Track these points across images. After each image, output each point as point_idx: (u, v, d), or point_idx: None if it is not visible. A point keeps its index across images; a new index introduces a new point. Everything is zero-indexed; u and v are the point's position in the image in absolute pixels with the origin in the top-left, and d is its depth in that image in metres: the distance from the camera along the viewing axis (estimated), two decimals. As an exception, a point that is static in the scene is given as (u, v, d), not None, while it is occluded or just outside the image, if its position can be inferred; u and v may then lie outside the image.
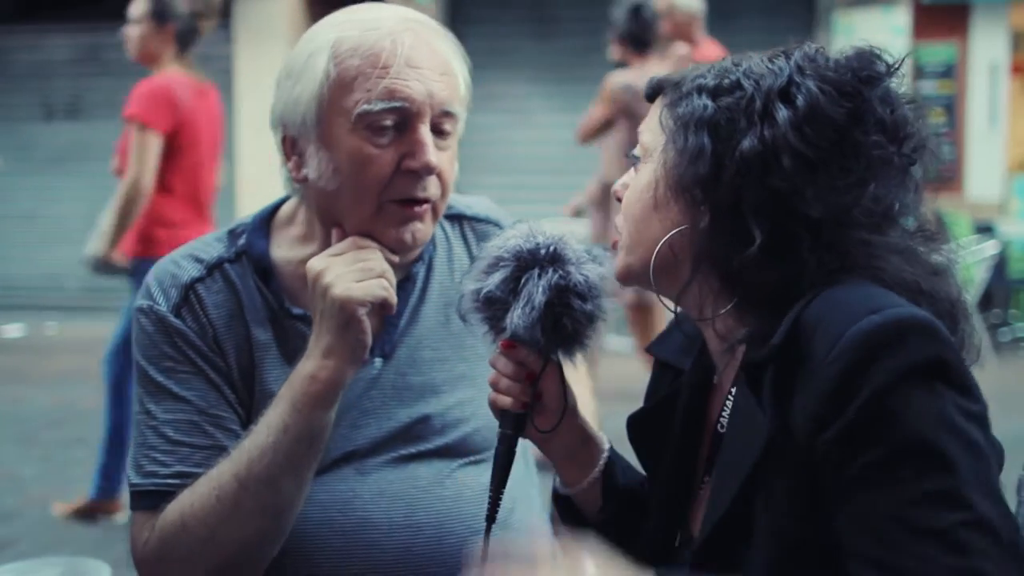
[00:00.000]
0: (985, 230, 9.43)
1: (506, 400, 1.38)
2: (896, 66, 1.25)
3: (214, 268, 1.62)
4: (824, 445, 1.09)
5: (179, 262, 1.63)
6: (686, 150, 1.23)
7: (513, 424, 1.38)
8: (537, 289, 1.30)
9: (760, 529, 1.15)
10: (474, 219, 1.83)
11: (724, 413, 1.31)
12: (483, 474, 1.60)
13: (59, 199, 12.48)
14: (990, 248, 9.05)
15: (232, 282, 1.62)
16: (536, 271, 1.32)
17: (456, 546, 1.58)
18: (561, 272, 1.31)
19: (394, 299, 1.49)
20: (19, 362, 9.31)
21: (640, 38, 6.05)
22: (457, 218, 1.82)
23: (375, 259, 1.49)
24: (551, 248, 1.33)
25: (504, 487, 1.40)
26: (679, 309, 1.33)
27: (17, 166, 12.55)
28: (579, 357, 1.37)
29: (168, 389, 1.56)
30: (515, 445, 1.39)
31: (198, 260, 1.63)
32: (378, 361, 1.64)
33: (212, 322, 1.59)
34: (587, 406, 1.85)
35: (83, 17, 12.23)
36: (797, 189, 1.17)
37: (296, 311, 1.61)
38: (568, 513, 1.49)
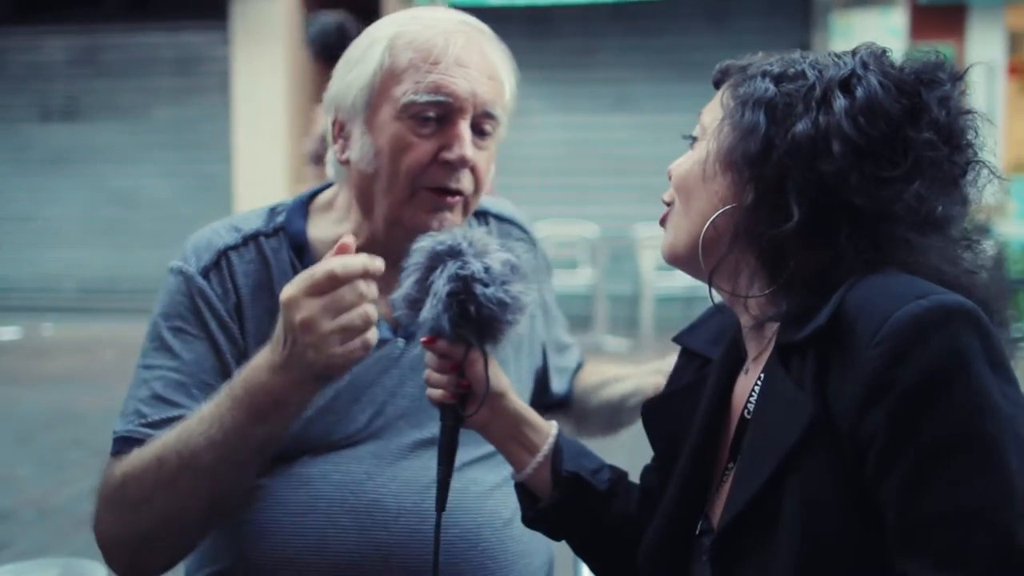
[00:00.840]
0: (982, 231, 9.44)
1: (437, 392, 1.44)
2: (959, 76, 1.27)
3: (250, 239, 1.68)
4: (869, 429, 1.09)
5: (218, 230, 1.70)
6: (740, 125, 1.26)
7: (450, 415, 1.44)
8: (439, 281, 1.38)
9: (790, 517, 1.14)
10: (498, 217, 1.90)
11: (751, 399, 1.31)
12: (490, 472, 1.67)
13: (55, 200, 12.48)
14: (987, 249, 9.05)
15: (265, 255, 1.67)
16: (440, 267, 1.39)
17: (459, 535, 1.61)
18: (460, 262, 1.38)
19: (374, 342, 1.46)
20: (15, 364, 9.30)
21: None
22: (483, 214, 1.88)
23: (356, 303, 1.41)
24: (448, 243, 1.40)
25: (450, 476, 1.45)
26: (716, 300, 1.35)
27: (13, 167, 12.56)
28: (501, 342, 1.43)
29: (170, 347, 1.60)
30: (456, 435, 1.45)
31: (236, 230, 1.69)
32: (400, 341, 1.69)
33: (238, 288, 1.64)
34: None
35: (80, 18, 12.25)
36: (843, 174, 1.18)
37: None
38: (526, 502, 1.52)
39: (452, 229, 1.46)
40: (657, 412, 1.48)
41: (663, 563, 1.38)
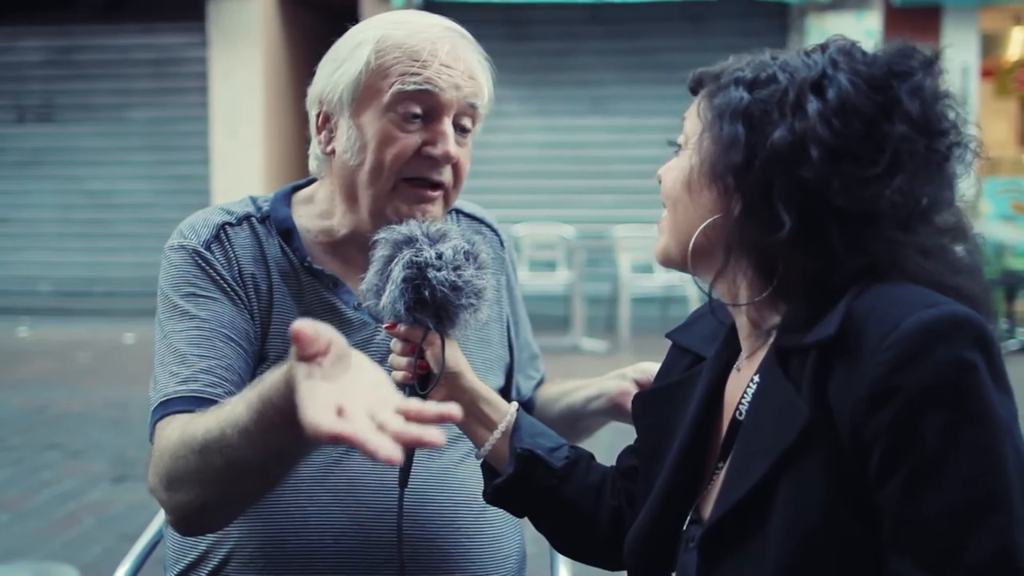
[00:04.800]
0: (957, 232, 9.51)
1: (398, 374, 1.53)
2: (931, 61, 1.26)
3: (243, 219, 1.74)
4: (873, 432, 1.11)
5: (210, 211, 1.76)
6: (721, 139, 1.27)
7: (410, 395, 1.52)
8: (395, 268, 1.48)
9: (780, 516, 1.16)
10: (470, 216, 1.97)
11: (744, 400, 1.32)
12: (470, 455, 1.71)
13: (31, 202, 12.41)
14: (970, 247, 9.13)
15: (258, 235, 1.73)
16: (397, 256, 1.50)
17: (437, 513, 1.66)
18: (414, 250, 1.48)
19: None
20: (-10, 366, 9.24)
21: None
22: (455, 212, 1.95)
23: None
24: (405, 234, 1.51)
25: (413, 454, 1.53)
26: (713, 295, 1.36)
27: (-12, 169, 12.47)
28: (460, 325, 1.52)
29: (186, 311, 1.64)
30: None
31: (229, 212, 1.75)
32: (381, 326, 1.73)
33: (238, 259, 1.69)
34: None
35: (55, 19, 12.18)
36: (824, 179, 1.19)
37: (316, 267, 1.72)
38: (488, 480, 1.57)
39: (410, 221, 1.55)
40: (646, 405, 1.51)
41: (650, 550, 1.40)
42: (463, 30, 1.72)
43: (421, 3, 10.76)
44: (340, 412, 1.03)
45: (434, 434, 1.01)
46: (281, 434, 1.30)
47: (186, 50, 12.10)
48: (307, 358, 1.12)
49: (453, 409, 1.06)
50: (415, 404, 1.07)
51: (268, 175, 11.45)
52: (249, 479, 1.43)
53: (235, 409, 1.35)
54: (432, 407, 1.07)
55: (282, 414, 1.25)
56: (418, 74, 1.62)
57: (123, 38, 12.25)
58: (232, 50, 11.64)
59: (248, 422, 1.32)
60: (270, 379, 1.29)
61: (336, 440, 0.99)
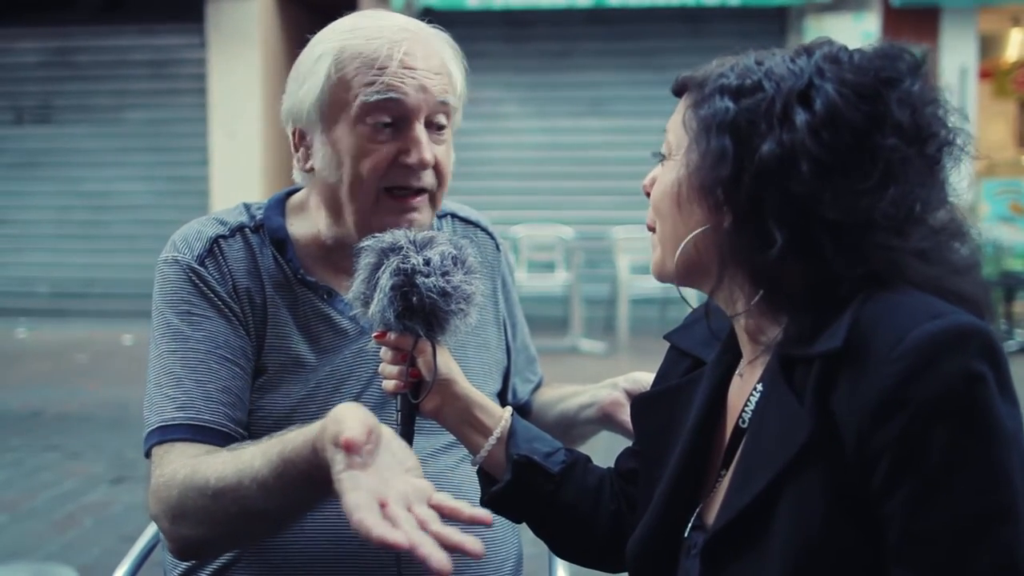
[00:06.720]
0: (955, 234, 9.51)
1: (390, 383, 1.52)
2: (919, 64, 1.24)
3: (236, 231, 1.73)
4: (880, 443, 1.10)
5: (204, 223, 1.75)
6: (708, 153, 1.24)
7: (403, 404, 1.52)
8: (383, 276, 1.46)
9: (782, 526, 1.16)
10: (465, 220, 1.95)
11: (748, 408, 1.32)
12: (463, 461, 1.70)
13: (29, 204, 12.41)
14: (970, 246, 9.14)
15: (251, 246, 1.72)
16: (384, 263, 1.47)
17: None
18: (401, 257, 1.46)
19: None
20: (-12, 367, 9.24)
21: None
22: (449, 215, 1.94)
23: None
24: (391, 241, 1.48)
25: None
26: (711, 304, 1.36)
27: (-14, 170, 12.46)
28: (450, 331, 1.49)
29: (180, 330, 1.64)
30: (411, 423, 1.52)
31: (222, 223, 1.74)
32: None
33: (232, 273, 1.69)
34: None
35: (53, 20, 12.17)
36: (815, 193, 1.17)
37: (309, 279, 1.72)
38: (485, 486, 1.56)
39: (394, 231, 1.52)
40: (646, 408, 1.50)
41: (652, 556, 1.40)
42: (422, 25, 1.69)
43: (419, 6, 10.76)
44: (383, 505, 1.10)
45: (474, 544, 1.08)
46: (301, 490, 1.35)
47: (184, 51, 12.10)
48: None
49: (484, 516, 1.15)
50: (448, 502, 1.16)
51: (266, 176, 11.44)
52: (261, 524, 1.47)
53: (252, 461, 1.39)
54: (466, 510, 1.16)
55: (305, 476, 1.31)
56: (380, 82, 1.59)
57: (121, 39, 12.25)
58: (230, 51, 11.63)
59: (267, 477, 1.36)
60: (293, 442, 1.33)
61: (386, 547, 1.05)
